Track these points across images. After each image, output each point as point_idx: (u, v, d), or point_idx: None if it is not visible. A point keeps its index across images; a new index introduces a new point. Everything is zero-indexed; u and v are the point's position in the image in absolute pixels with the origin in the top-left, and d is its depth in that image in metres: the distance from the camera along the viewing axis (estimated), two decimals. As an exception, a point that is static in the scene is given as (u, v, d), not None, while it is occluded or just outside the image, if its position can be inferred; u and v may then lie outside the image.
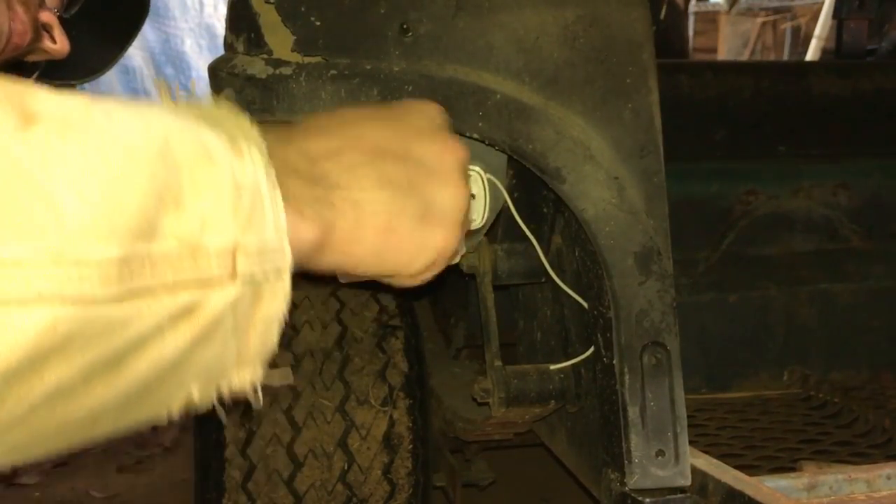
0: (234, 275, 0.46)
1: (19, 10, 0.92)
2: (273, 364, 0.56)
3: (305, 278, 0.55)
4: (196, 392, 0.49)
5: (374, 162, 0.62)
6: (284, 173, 0.52)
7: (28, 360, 0.38)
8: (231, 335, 0.48)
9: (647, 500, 0.89)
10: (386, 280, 0.65)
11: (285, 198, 0.51)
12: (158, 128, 0.45)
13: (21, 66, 1.04)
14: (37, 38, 0.97)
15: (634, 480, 0.90)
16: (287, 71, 0.88)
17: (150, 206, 0.43)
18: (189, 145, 0.46)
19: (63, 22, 1.01)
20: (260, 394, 0.54)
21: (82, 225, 0.40)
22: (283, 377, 0.62)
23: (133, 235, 0.41)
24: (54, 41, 0.99)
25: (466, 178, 0.69)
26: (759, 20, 8.07)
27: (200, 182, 0.46)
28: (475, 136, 0.89)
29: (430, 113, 0.71)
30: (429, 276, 0.67)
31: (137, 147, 0.43)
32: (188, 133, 0.47)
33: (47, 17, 0.98)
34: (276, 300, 0.51)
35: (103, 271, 0.40)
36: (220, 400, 0.53)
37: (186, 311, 0.45)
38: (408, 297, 1.47)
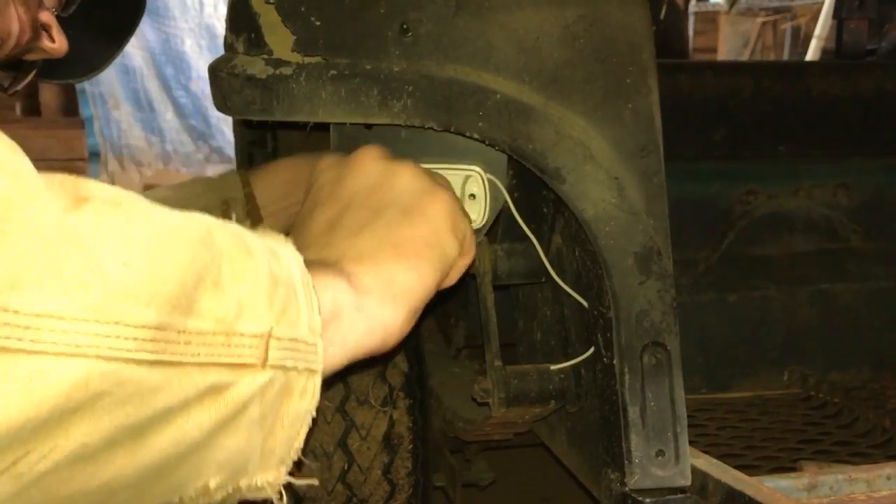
0: (265, 361, 0.48)
1: (19, 9, 0.93)
2: (298, 464, 0.56)
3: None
4: (213, 482, 0.49)
5: (350, 212, 0.72)
6: (319, 275, 0.57)
7: (58, 412, 0.38)
8: (257, 426, 0.49)
9: (648, 500, 0.89)
10: (447, 274, 0.71)
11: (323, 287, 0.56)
12: (200, 220, 0.47)
13: (19, 64, 1.04)
14: (35, 37, 0.97)
15: (634, 480, 0.90)
16: (287, 71, 0.88)
17: (190, 281, 0.44)
18: (229, 237, 0.48)
19: (61, 21, 1.01)
20: (285, 498, 0.54)
21: (125, 287, 0.41)
22: (308, 478, 0.61)
23: (171, 306, 0.42)
24: (53, 40, 0.99)
25: (436, 183, 0.76)
26: (759, 20, 8.06)
27: (239, 269, 0.47)
28: (475, 136, 0.89)
29: (371, 154, 0.77)
30: (467, 258, 0.75)
31: (181, 229, 0.45)
32: (228, 228, 0.49)
33: (46, 16, 0.98)
34: (306, 398, 0.51)
35: (140, 334, 0.41)
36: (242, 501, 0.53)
37: (214, 391, 0.45)
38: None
